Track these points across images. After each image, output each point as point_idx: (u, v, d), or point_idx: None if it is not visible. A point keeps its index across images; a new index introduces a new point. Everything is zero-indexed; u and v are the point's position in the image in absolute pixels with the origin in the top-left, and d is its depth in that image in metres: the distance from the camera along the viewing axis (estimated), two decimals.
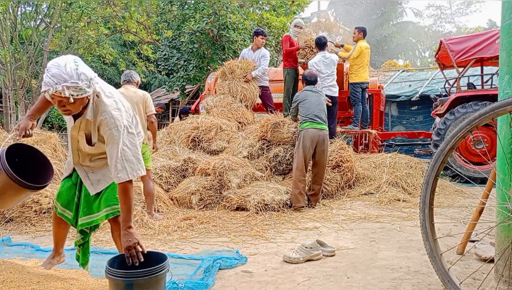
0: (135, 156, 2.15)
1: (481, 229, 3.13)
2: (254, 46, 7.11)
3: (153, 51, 14.50)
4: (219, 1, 10.25)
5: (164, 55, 12.00)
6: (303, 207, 4.73)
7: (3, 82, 10.76)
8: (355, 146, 7.83)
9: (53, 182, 4.55)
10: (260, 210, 4.50)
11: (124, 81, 4.60)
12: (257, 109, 7.29)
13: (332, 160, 5.60)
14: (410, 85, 13.59)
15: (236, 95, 6.67)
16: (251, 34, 11.12)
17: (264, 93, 6.99)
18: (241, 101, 6.65)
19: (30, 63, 11.07)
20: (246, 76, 6.76)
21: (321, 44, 6.54)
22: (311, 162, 5.00)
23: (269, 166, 5.62)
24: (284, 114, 7.13)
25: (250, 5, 12.78)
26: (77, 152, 2.36)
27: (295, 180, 4.78)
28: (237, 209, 4.69)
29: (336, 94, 6.56)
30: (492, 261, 2.47)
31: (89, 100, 2.11)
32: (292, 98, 7.35)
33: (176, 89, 12.72)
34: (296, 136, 5.47)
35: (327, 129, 4.97)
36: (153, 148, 4.63)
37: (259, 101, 7.10)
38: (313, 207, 4.85)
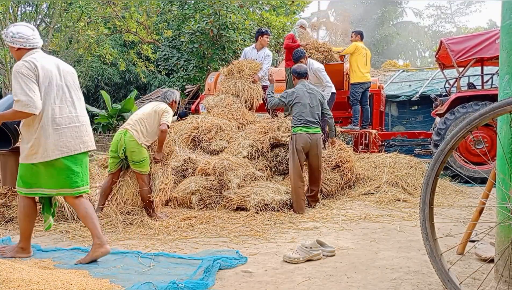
0: (23, 94, 2.63)
1: (481, 229, 3.13)
2: (259, 45, 7.06)
3: (153, 51, 14.50)
4: (219, 1, 10.25)
5: (164, 55, 12.01)
6: (304, 211, 4.60)
7: (3, 82, 10.76)
8: (355, 146, 7.84)
9: None
10: (260, 210, 4.50)
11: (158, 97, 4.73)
12: (258, 110, 7.29)
13: (332, 161, 5.60)
14: (410, 85, 13.59)
15: (241, 94, 6.61)
16: (251, 34, 11.14)
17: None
18: (246, 102, 6.61)
19: None
20: (253, 77, 6.71)
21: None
22: (306, 163, 4.87)
23: (269, 166, 5.62)
24: (284, 114, 7.13)
25: (250, 5, 12.78)
26: None
27: (295, 186, 4.64)
28: (237, 209, 4.69)
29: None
30: (492, 261, 2.47)
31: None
32: None
33: (176, 89, 12.71)
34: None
35: (320, 131, 4.77)
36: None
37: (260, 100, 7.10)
38: (313, 207, 4.82)
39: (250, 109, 6.66)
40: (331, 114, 4.94)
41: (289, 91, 4.88)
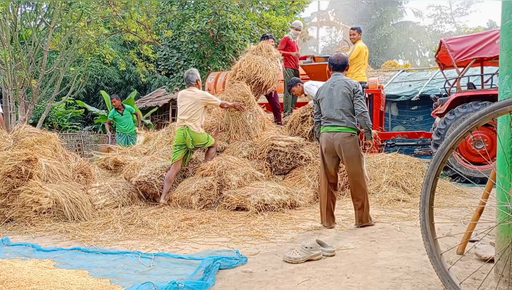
0: None
1: (481, 229, 3.13)
2: None
3: (153, 51, 14.49)
4: (219, 1, 10.24)
5: (164, 55, 12.00)
6: (332, 227, 3.89)
7: (3, 82, 10.76)
8: None
9: (53, 181, 4.55)
10: (260, 210, 4.50)
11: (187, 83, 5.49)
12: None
13: None
14: (410, 85, 13.60)
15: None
16: (251, 34, 11.16)
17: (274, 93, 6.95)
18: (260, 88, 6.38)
19: (30, 63, 11.06)
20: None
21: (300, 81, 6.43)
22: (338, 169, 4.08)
23: (269, 166, 5.62)
24: (283, 114, 7.12)
25: (250, 5, 12.77)
26: None
27: (319, 193, 4.07)
28: (237, 209, 4.69)
29: None
30: (492, 261, 2.47)
31: None
32: (292, 99, 7.34)
33: (176, 89, 12.72)
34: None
35: (347, 129, 3.82)
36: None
37: (264, 100, 7.05)
38: (360, 226, 3.88)
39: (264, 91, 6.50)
40: (363, 108, 3.83)
41: (319, 87, 4.18)
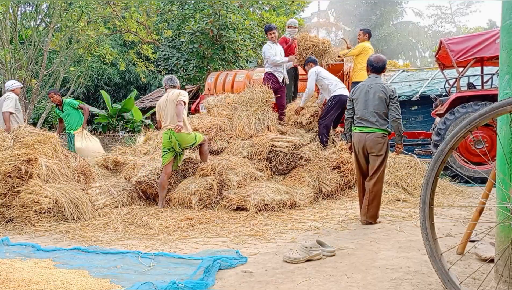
0: None
1: (481, 229, 3.13)
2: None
3: (153, 51, 14.49)
4: (219, 1, 10.25)
5: (164, 55, 12.00)
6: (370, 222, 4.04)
7: (3, 82, 10.76)
8: None
9: (53, 181, 4.55)
10: (260, 210, 4.50)
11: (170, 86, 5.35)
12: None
13: (332, 162, 5.61)
14: (410, 85, 13.58)
15: None
16: (251, 34, 11.17)
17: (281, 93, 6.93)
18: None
19: (30, 63, 11.07)
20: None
21: (315, 62, 6.50)
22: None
23: (269, 166, 5.62)
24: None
25: (250, 5, 12.78)
26: None
27: (357, 189, 4.30)
28: (237, 209, 4.69)
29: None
30: (492, 261, 2.47)
31: None
32: (291, 96, 7.35)
33: None
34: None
35: (379, 131, 4.03)
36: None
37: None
38: (366, 223, 4.02)
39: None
40: (398, 115, 4.07)
41: (355, 86, 4.34)
